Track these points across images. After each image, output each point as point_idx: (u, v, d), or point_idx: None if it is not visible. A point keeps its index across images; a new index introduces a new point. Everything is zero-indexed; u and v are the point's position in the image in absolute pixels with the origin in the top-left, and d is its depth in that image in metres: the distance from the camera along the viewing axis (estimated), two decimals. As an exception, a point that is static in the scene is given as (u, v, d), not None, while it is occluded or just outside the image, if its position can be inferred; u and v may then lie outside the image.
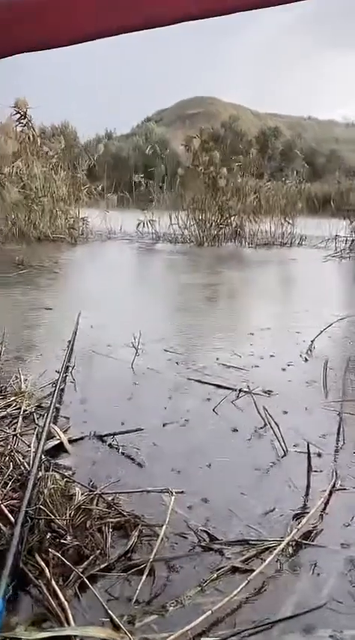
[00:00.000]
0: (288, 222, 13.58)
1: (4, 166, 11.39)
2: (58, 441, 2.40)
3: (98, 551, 1.67)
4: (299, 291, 7.85)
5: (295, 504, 2.03)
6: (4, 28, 0.92)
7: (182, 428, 2.71)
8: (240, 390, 3.14)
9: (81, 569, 1.58)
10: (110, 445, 2.47)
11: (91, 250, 11.25)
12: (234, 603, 1.50)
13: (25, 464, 2.10)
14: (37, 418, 2.65)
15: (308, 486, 2.16)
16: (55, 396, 2.81)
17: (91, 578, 1.57)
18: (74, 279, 8.06)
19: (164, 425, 2.72)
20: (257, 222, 13.38)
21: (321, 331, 4.30)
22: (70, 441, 2.45)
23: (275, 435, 2.53)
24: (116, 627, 1.40)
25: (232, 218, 13.11)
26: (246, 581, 1.55)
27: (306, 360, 3.92)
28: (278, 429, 2.54)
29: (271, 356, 3.98)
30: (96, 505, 1.86)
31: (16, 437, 2.41)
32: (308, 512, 1.95)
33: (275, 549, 1.71)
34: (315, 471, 2.25)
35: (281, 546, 1.73)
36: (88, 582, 1.53)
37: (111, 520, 1.81)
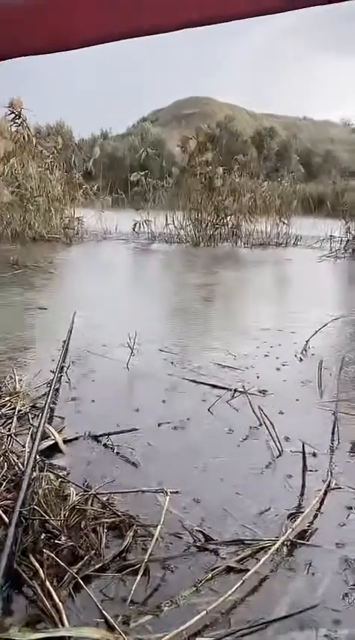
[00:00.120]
0: (283, 223, 13.60)
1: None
2: (53, 441, 2.39)
3: (93, 552, 1.67)
4: (295, 291, 7.86)
5: (290, 504, 2.03)
6: (4, 32, 0.92)
7: (176, 428, 2.70)
8: (235, 390, 3.14)
9: (75, 570, 1.57)
10: (105, 445, 2.46)
11: (87, 250, 11.23)
12: (228, 603, 1.50)
13: (20, 464, 2.09)
14: (32, 418, 2.64)
15: (303, 486, 2.16)
16: (50, 396, 2.80)
17: (86, 578, 1.57)
18: (69, 280, 8.04)
19: (159, 425, 2.71)
20: (252, 222, 13.38)
21: (316, 331, 4.31)
22: (65, 441, 2.44)
23: (270, 434, 2.53)
24: (111, 628, 1.39)
25: (228, 218, 13.11)
26: (241, 581, 1.55)
27: (301, 360, 3.92)
28: (274, 428, 2.54)
29: (266, 356, 3.98)
30: (91, 505, 1.85)
31: (11, 437, 2.40)
32: (303, 512, 1.95)
33: (270, 549, 1.71)
34: (310, 471, 2.25)
35: (276, 546, 1.73)
36: (82, 583, 1.53)
37: (106, 520, 1.81)
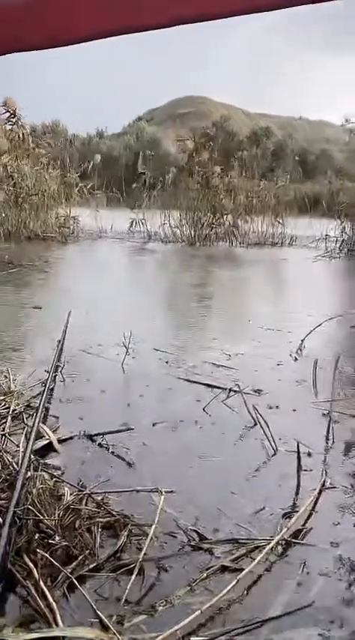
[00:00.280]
0: (279, 222, 13.61)
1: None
2: (47, 441, 2.39)
3: (87, 552, 1.66)
4: (290, 290, 7.88)
5: (285, 503, 2.03)
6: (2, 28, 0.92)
7: (171, 427, 2.70)
8: (230, 390, 3.14)
9: (69, 570, 1.57)
10: (100, 445, 2.46)
11: (82, 249, 11.21)
12: (223, 602, 1.50)
13: (14, 464, 2.08)
14: (26, 418, 2.63)
15: (298, 485, 2.16)
16: (45, 395, 2.79)
17: (80, 578, 1.56)
18: (64, 279, 8.02)
19: (154, 424, 2.71)
20: (248, 221, 13.40)
21: (311, 330, 4.31)
22: (60, 441, 2.43)
23: (265, 434, 2.53)
24: (105, 628, 1.39)
25: (225, 217, 13.11)
26: (236, 580, 1.55)
27: (296, 359, 3.93)
28: (268, 428, 2.54)
29: (261, 355, 3.98)
30: (86, 505, 1.85)
31: (5, 437, 2.39)
32: (297, 511, 1.95)
33: (264, 548, 1.71)
34: (305, 470, 2.25)
35: (271, 545, 1.73)
36: (76, 583, 1.52)
37: (101, 520, 1.80)
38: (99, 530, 1.77)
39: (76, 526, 1.73)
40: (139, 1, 0.89)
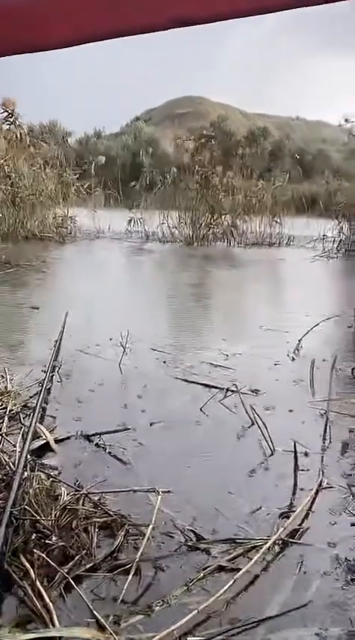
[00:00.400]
0: (276, 222, 13.62)
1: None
2: (44, 441, 2.38)
3: (84, 552, 1.66)
4: (288, 291, 7.88)
5: (282, 503, 2.04)
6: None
7: (168, 427, 2.70)
8: (228, 390, 3.14)
9: (66, 570, 1.57)
10: (97, 445, 2.46)
11: (79, 249, 11.19)
12: (220, 602, 1.50)
13: (11, 464, 2.08)
14: (23, 418, 2.63)
15: (295, 485, 2.16)
16: (42, 395, 2.79)
17: (77, 578, 1.56)
18: (62, 279, 8.01)
19: (151, 424, 2.71)
20: (247, 221, 13.41)
21: (308, 331, 4.32)
22: (56, 441, 2.43)
23: (262, 434, 2.53)
24: (101, 628, 1.39)
25: (223, 217, 13.11)
26: (233, 580, 1.55)
27: (293, 359, 3.93)
28: (266, 428, 2.54)
29: (258, 355, 3.98)
30: (82, 505, 1.85)
31: (2, 437, 2.39)
32: (294, 511, 1.95)
33: (261, 548, 1.71)
34: (302, 470, 2.26)
35: (268, 545, 1.73)
36: (73, 583, 1.52)
37: (98, 520, 1.80)
38: (96, 530, 1.77)
39: (73, 526, 1.73)
40: (139, 1, 0.89)
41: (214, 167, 13.27)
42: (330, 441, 2.58)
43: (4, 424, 2.51)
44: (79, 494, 1.88)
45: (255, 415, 2.67)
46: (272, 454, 2.43)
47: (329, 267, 10.26)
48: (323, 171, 19.40)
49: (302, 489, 2.13)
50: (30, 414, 2.57)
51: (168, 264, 10.22)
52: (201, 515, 1.92)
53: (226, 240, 13.16)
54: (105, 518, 1.81)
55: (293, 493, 2.12)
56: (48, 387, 3.05)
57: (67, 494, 1.87)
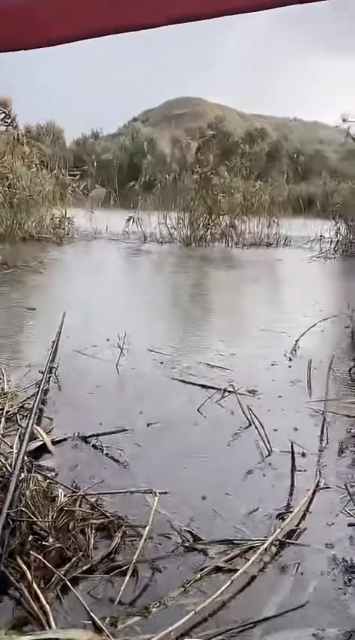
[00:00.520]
0: (274, 222, 13.64)
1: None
2: (41, 442, 2.38)
3: (81, 553, 1.66)
4: (285, 291, 7.89)
5: (279, 504, 2.03)
6: None
7: (165, 428, 2.70)
8: (225, 390, 3.14)
9: (63, 572, 1.56)
10: (94, 446, 2.45)
11: (77, 250, 11.19)
12: (217, 603, 1.49)
13: (7, 465, 2.07)
14: (20, 419, 2.62)
15: (292, 485, 2.16)
16: (39, 396, 2.78)
17: (74, 580, 1.56)
18: (59, 280, 8.00)
19: (148, 425, 2.71)
20: (245, 222, 13.43)
21: (305, 331, 4.32)
22: (53, 442, 2.43)
23: (260, 434, 2.53)
24: (98, 629, 1.38)
25: (221, 218, 13.12)
26: (230, 581, 1.55)
27: (290, 359, 3.93)
28: (263, 428, 2.54)
29: (255, 355, 3.98)
30: (80, 506, 1.84)
31: (-1, 438, 2.38)
32: (292, 512, 1.95)
33: (258, 549, 1.71)
34: (299, 470, 2.25)
35: (265, 546, 1.73)
36: (70, 585, 1.52)
37: (95, 521, 1.80)
38: (93, 531, 1.76)
39: (70, 527, 1.72)
40: (138, 0, 0.89)
41: (217, 166, 13.27)
42: (327, 442, 2.58)
43: (1, 425, 2.51)
44: (76, 496, 1.88)
45: (252, 416, 2.67)
46: (269, 455, 2.43)
47: (327, 268, 10.27)
48: (321, 171, 19.44)
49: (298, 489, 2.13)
50: (27, 416, 2.57)
51: (165, 265, 10.22)
52: (198, 516, 1.92)
53: (224, 241, 13.17)
54: (102, 520, 1.81)
55: (291, 494, 2.12)
56: (45, 388, 3.05)
57: (64, 496, 1.86)
